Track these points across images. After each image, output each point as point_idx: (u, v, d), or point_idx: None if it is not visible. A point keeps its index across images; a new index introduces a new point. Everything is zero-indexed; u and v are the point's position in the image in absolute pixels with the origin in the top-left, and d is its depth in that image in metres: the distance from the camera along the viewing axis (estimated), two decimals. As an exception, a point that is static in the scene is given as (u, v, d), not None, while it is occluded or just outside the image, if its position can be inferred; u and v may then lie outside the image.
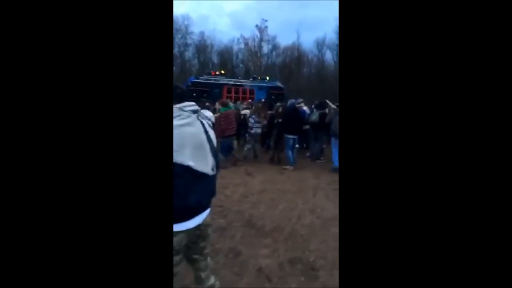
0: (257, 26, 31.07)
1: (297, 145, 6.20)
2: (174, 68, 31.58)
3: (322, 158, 6.54)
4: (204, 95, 11.59)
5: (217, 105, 6.22)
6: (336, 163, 5.55)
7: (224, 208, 3.42)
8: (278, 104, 7.01)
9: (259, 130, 6.15)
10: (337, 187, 3.11)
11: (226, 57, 32.62)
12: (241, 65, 32.73)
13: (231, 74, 25.16)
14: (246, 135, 6.35)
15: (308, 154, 6.92)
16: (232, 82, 13.31)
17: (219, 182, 2.49)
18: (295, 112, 6.03)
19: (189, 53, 31.71)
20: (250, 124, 6.05)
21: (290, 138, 5.65)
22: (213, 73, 13.48)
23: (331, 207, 3.57)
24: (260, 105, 6.70)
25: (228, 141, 5.69)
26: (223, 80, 13.14)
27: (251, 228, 2.95)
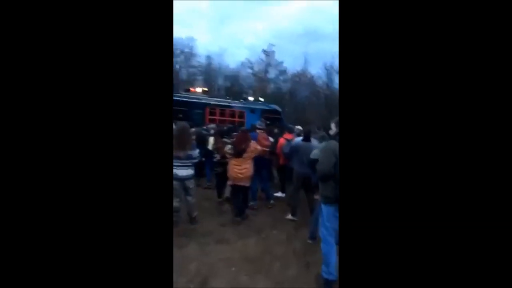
0: (264, 50, 29.81)
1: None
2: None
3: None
4: (180, 116, 9.33)
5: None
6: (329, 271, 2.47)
7: None
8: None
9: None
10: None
11: (232, 80, 31.23)
12: (250, 91, 31.23)
13: (236, 97, 23.34)
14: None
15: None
16: (217, 102, 11.05)
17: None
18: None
19: (195, 76, 30.52)
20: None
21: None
22: (192, 90, 11.28)
23: None
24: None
25: None
26: (211, 100, 10.99)
27: None
